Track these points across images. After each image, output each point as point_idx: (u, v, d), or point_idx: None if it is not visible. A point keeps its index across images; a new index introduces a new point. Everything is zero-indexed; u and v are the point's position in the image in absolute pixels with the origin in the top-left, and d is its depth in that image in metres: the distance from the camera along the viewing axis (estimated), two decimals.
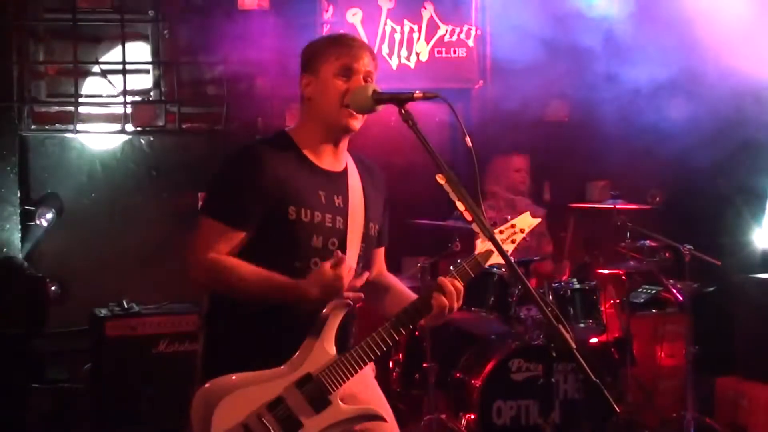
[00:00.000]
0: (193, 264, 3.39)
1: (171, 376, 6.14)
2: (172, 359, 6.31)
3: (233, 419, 3.24)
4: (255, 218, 3.38)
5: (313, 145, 3.51)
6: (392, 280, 3.82)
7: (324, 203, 3.46)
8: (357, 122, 3.47)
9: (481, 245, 3.48)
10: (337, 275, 3.28)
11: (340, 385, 3.33)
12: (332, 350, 3.35)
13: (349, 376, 3.34)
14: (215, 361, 3.45)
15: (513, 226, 3.61)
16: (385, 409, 3.56)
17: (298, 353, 3.34)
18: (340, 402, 3.33)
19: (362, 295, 3.44)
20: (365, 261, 3.63)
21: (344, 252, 3.43)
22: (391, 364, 6.78)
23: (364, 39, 7.79)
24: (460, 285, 3.41)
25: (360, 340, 3.40)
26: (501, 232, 3.57)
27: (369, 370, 3.61)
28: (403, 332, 3.39)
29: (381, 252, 3.84)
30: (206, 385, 3.31)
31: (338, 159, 3.56)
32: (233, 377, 3.30)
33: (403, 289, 3.76)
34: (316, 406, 3.30)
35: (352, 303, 3.41)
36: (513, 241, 3.58)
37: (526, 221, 3.64)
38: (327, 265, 3.29)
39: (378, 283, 3.78)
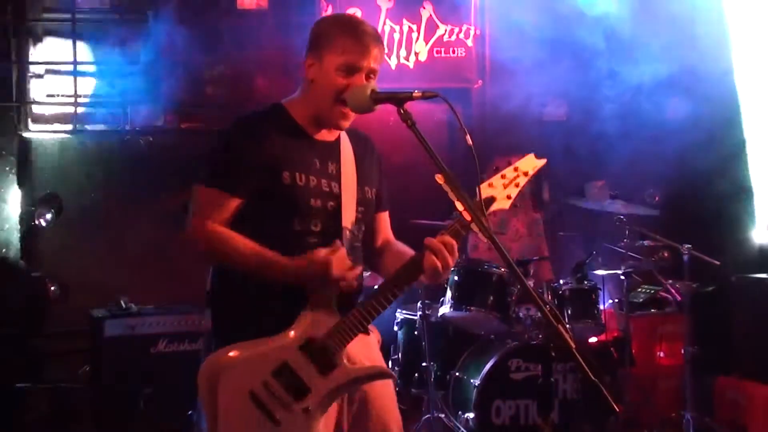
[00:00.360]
0: (191, 233, 3.40)
1: (170, 375, 6.13)
2: (171, 359, 6.30)
3: (239, 388, 3.26)
4: (248, 184, 3.39)
5: (308, 118, 3.52)
6: (400, 247, 3.77)
7: (318, 168, 3.48)
8: (348, 120, 3.48)
9: (483, 190, 3.45)
10: (327, 264, 3.27)
11: (344, 345, 3.33)
12: (334, 314, 3.36)
13: (352, 336, 3.35)
14: (224, 333, 3.45)
15: (516, 168, 3.56)
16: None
17: (300, 319, 3.35)
18: (347, 362, 3.34)
19: (354, 284, 3.43)
20: (367, 224, 3.65)
21: (341, 214, 3.47)
22: (390, 363, 6.76)
23: None
24: (450, 239, 3.36)
25: None
26: (503, 176, 3.54)
27: (373, 340, 3.64)
28: (398, 293, 3.38)
29: (385, 217, 3.83)
30: (211, 357, 3.33)
31: (331, 132, 3.58)
32: (237, 347, 3.31)
33: (406, 251, 3.68)
34: (323, 368, 3.30)
35: (351, 261, 3.41)
36: (516, 185, 3.53)
37: (530, 163, 3.59)
38: (322, 252, 3.29)
39: (383, 250, 3.78)
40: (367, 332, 3.46)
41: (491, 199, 3.45)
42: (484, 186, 3.44)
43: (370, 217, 3.68)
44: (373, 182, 3.67)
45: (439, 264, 3.32)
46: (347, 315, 3.35)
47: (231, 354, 3.30)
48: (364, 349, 3.52)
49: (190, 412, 5.80)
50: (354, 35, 3.43)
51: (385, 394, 3.61)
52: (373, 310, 3.37)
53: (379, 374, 3.48)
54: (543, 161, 3.62)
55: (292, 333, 3.32)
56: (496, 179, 3.49)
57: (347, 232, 3.51)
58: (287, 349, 3.30)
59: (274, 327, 3.33)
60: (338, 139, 3.59)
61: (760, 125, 8.19)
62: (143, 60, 7.55)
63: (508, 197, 3.49)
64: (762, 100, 8.19)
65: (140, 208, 7.31)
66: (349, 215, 3.52)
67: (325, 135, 3.55)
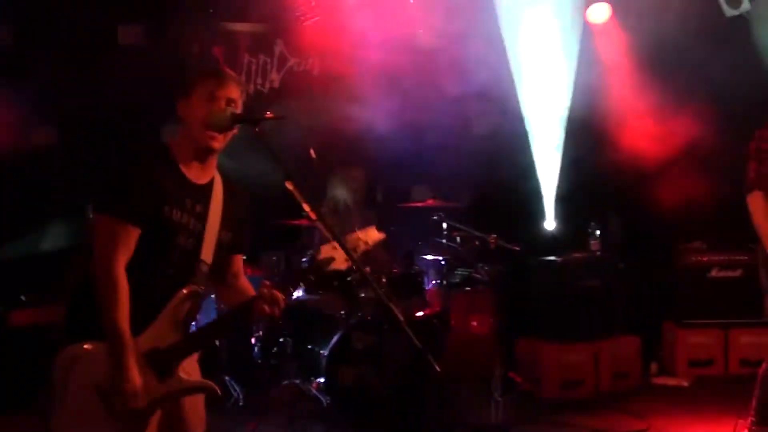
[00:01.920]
0: (100, 269, 3.22)
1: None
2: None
3: (88, 380, 3.17)
4: (144, 215, 3.25)
5: (186, 159, 3.41)
6: (245, 284, 3.71)
7: (189, 207, 3.39)
8: (217, 142, 3.39)
9: (325, 251, 3.44)
10: (132, 398, 3.17)
11: (183, 359, 3.30)
12: (179, 329, 3.31)
13: (189, 353, 3.33)
14: (78, 329, 3.28)
15: (358, 238, 3.52)
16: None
17: (150, 328, 3.27)
18: (182, 374, 3.30)
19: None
20: (218, 262, 3.53)
21: (200, 249, 3.39)
22: (253, 339, 6.69)
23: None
24: (279, 295, 3.34)
25: None
26: (347, 240, 3.46)
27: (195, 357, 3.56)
28: (228, 331, 3.35)
29: (239, 259, 3.73)
30: (66, 350, 3.21)
31: (205, 173, 3.48)
32: (90, 344, 3.20)
33: (248, 291, 3.65)
34: (160, 375, 3.25)
35: (202, 291, 3.37)
36: (355, 250, 3.47)
37: (371, 235, 3.55)
38: (138, 384, 3.17)
39: (234, 286, 3.69)
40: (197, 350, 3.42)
41: (331, 259, 3.43)
42: (328, 246, 3.42)
43: (224, 257, 3.59)
44: (233, 228, 3.56)
45: (267, 311, 3.32)
46: (191, 334, 3.34)
47: (85, 347, 3.20)
48: (192, 362, 3.45)
49: None
50: (214, 73, 3.44)
51: (197, 413, 3.53)
52: (211, 336, 3.44)
53: (204, 388, 3.41)
54: (382, 235, 3.60)
55: (141, 339, 3.24)
56: (346, 242, 3.40)
57: (203, 265, 3.43)
58: (135, 353, 3.21)
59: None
60: (211, 183, 3.50)
61: (544, 140, 8.42)
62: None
63: (346, 260, 3.42)
64: (544, 118, 8.41)
65: None
66: (207, 252, 3.45)
67: (198, 176, 3.45)
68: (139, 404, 3.18)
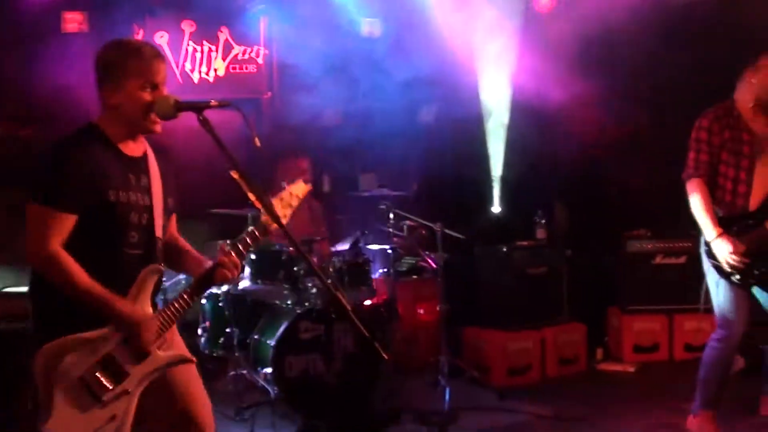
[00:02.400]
0: (32, 254, 3.23)
1: None
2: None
3: (72, 375, 3.19)
4: (80, 201, 3.24)
5: (119, 137, 3.40)
6: (183, 243, 3.78)
7: (134, 184, 3.39)
8: (159, 127, 3.41)
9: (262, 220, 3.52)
10: (140, 328, 3.27)
11: (156, 338, 3.32)
12: (149, 310, 3.34)
13: (164, 331, 3.35)
14: (46, 328, 3.30)
15: (290, 192, 3.63)
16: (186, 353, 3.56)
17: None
18: (158, 351, 3.34)
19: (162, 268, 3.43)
20: (165, 229, 3.59)
21: (154, 225, 3.42)
22: (199, 330, 6.65)
23: (170, 58, 7.67)
24: (237, 260, 3.44)
25: None
26: (281, 198, 3.58)
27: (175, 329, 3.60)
28: (194, 300, 3.39)
29: (173, 219, 3.75)
30: (44, 348, 3.20)
31: (138, 145, 3.49)
32: (68, 339, 3.21)
33: (190, 250, 3.73)
34: (139, 357, 3.28)
35: (162, 269, 3.42)
36: (291, 205, 3.60)
37: (300, 188, 3.67)
38: (139, 312, 3.29)
39: (172, 246, 3.72)
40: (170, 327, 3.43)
41: (265, 225, 3.52)
42: (263, 218, 3.50)
43: (168, 222, 3.63)
44: (172, 192, 3.60)
45: (228, 276, 3.42)
46: (161, 312, 3.35)
47: (63, 346, 3.21)
48: (169, 336, 3.46)
49: None
50: (143, 58, 3.37)
51: (189, 378, 3.58)
52: (181, 309, 3.40)
53: (182, 360, 3.46)
54: (309, 187, 3.74)
55: (115, 327, 3.27)
56: (275, 201, 3.53)
57: (159, 242, 3.47)
58: (111, 342, 3.25)
59: (96, 321, 3.24)
60: (145, 153, 3.50)
61: (492, 129, 8.48)
62: None
63: (284, 216, 3.55)
64: (498, 107, 8.48)
65: None
66: (158, 225, 3.47)
67: (134, 150, 3.45)
68: (153, 333, 3.29)
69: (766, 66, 5.27)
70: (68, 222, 3.23)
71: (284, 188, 3.63)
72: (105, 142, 3.36)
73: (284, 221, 3.49)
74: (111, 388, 3.23)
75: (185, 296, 3.41)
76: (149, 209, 3.42)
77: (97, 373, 3.21)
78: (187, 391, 3.55)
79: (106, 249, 3.30)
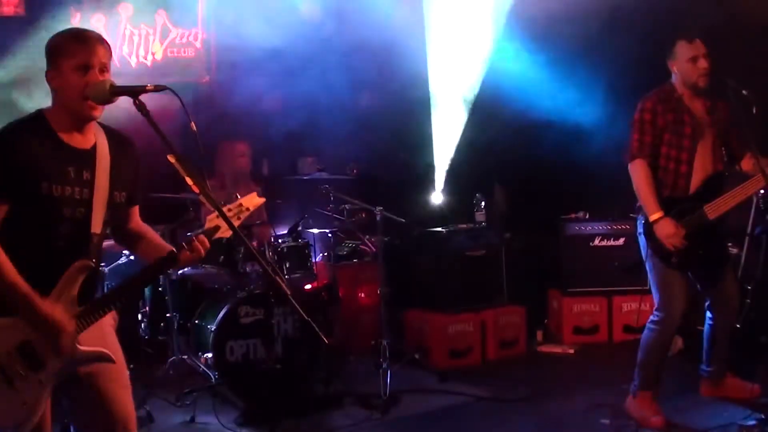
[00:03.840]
0: None
1: None
2: None
3: None
4: (12, 191, 3.23)
5: (65, 127, 3.39)
6: (146, 229, 3.78)
7: (73, 177, 3.36)
8: (98, 111, 3.39)
9: (210, 221, 3.52)
10: (58, 332, 3.24)
11: (81, 331, 3.31)
12: (73, 309, 3.30)
13: (90, 323, 3.34)
14: None
15: (240, 204, 3.60)
16: (116, 353, 3.51)
17: (45, 303, 3.26)
18: (77, 345, 3.30)
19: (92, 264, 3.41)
20: (113, 224, 3.59)
21: (90, 219, 3.39)
22: (139, 316, 6.66)
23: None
24: (204, 239, 3.47)
25: None
26: (230, 210, 3.56)
27: (108, 318, 3.57)
28: (149, 283, 3.40)
29: (135, 210, 3.77)
30: None
31: (87, 137, 3.46)
32: None
33: (154, 237, 3.75)
34: (56, 348, 3.26)
35: (93, 264, 3.38)
36: (239, 218, 3.58)
37: (252, 201, 3.64)
38: (58, 314, 3.24)
39: (135, 234, 3.74)
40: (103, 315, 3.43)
41: (216, 228, 3.51)
42: (212, 217, 3.49)
43: (120, 216, 3.62)
44: (126, 186, 3.57)
45: (196, 258, 3.45)
46: (88, 304, 3.34)
47: None
48: (97, 331, 3.45)
49: None
50: (79, 39, 3.38)
51: (113, 379, 3.54)
52: (122, 298, 3.42)
53: (102, 358, 3.41)
54: (263, 200, 3.69)
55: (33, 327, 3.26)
56: (227, 212, 3.49)
57: (94, 237, 3.44)
58: (31, 329, 3.24)
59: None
60: (95, 146, 3.48)
61: (437, 112, 8.57)
62: None
63: (226, 229, 3.50)
64: (445, 97, 8.57)
65: None
66: (97, 220, 3.44)
67: (80, 142, 3.43)
68: (71, 335, 3.26)
69: (680, 50, 5.42)
70: (0, 209, 3.24)
71: (236, 199, 3.61)
72: (47, 132, 3.35)
73: (228, 234, 3.49)
74: (24, 375, 3.21)
75: (124, 285, 3.43)
76: (87, 203, 3.40)
77: (13, 358, 3.20)
78: (110, 392, 3.51)
79: (35, 240, 3.29)
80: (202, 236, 3.46)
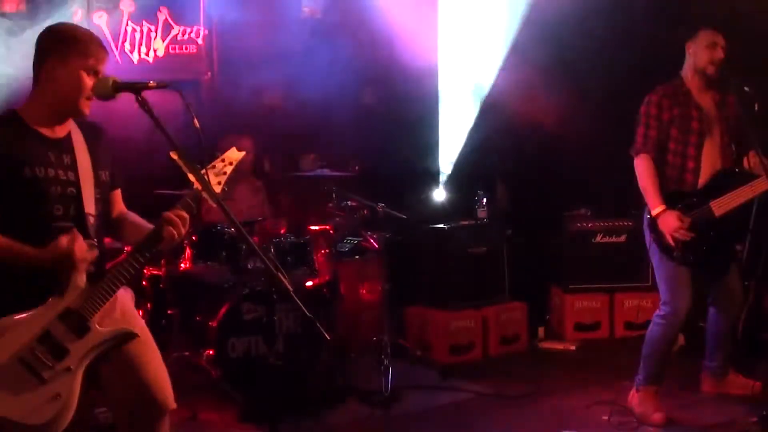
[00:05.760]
0: None
1: None
2: None
3: (8, 354, 3.19)
4: None
5: (42, 121, 3.46)
6: (131, 216, 3.83)
7: (54, 161, 3.43)
8: (89, 109, 3.47)
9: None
10: (69, 252, 3.28)
11: (96, 311, 3.34)
12: (83, 284, 3.34)
13: (103, 302, 3.36)
14: None
15: (223, 159, 3.68)
16: (140, 329, 3.57)
17: (57, 292, 3.31)
18: (97, 326, 3.34)
19: (96, 252, 3.44)
20: (104, 203, 3.63)
21: (81, 198, 3.44)
22: (141, 312, 6.65)
23: (109, 38, 7.63)
24: (183, 213, 3.49)
25: None
26: (214, 166, 3.64)
27: (128, 298, 3.66)
28: (143, 259, 3.40)
29: (118, 193, 3.82)
30: None
31: (61, 128, 3.53)
32: (3, 320, 3.24)
33: (141, 222, 3.78)
34: (78, 333, 3.29)
35: (95, 244, 3.44)
36: (225, 173, 3.65)
37: (233, 155, 3.73)
38: (64, 241, 3.29)
39: (120, 221, 3.79)
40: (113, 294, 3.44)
41: (197, 192, 3.55)
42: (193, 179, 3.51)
43: (106, 196, 3.67)
44: (106, 165, 3.65)
45: (175, 233, 3.44)
46: (97, 284, 3.36)
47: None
48: (117, 310, 3.52)
49: None
50: (96, 43, 3.46)
51: (143, 353, 3.60)
52: (122, 276, 3.41)
53: (125, 335, 3.45)
54: (243, 153, 3.76)
55: (51, 304, 3.30)
56: (210, 169, 3.58)
57: (90, 217, 3.49)
58: (48, 318, 3.28)
59: (32, 300, 3.29)
60: (69, 134, 3.55)
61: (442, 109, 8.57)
62: None
63: (219, 183, 3.61)
64: (455, 98, 8.57)
65: None
66: (89, 199, 3.50)
67: (55, 132, 3.50)
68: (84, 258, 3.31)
69: (703, 35, 5.43)
70: None
71: (218, 156, 3.68)
72: (21, 125, 3.42)
73: (218, 189, 3.56)
74: (51, 365, 3.24)
75: (131, 260, 3.42)
76: (75, 184, 3.46)
77: (36, 351, 3.23)
78: (140, 363, 3.58)
79: (33, 225, 3.34)
80: (179, 210, 3.49)
